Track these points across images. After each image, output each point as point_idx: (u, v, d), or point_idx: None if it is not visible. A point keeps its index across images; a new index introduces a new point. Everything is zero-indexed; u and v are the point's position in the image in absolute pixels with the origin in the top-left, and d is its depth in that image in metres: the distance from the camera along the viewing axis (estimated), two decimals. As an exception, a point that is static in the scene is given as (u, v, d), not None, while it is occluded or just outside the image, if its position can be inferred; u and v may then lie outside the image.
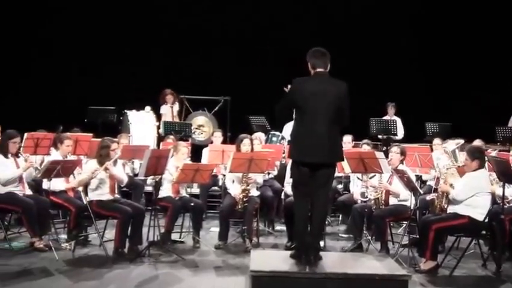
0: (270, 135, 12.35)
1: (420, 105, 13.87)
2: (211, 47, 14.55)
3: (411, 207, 8.02)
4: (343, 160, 7.19)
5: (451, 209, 7.57)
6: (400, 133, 12.99)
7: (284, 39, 14.15)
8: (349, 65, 11.97)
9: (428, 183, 9.87)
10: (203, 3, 14.78)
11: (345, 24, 14.41)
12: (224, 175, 9.80)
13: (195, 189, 10.27)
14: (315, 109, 6.32)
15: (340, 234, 9.58)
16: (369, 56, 14.33)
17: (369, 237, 8.37)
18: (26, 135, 9.06)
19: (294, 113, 6.55)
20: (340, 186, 10.37)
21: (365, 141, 10.48)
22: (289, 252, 6.66)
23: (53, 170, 7.95)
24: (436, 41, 14.53)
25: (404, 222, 8.64)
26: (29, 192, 8.46)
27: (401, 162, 8.55)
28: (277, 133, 12.30)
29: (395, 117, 13.29)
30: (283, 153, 10.33)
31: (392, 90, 13.85)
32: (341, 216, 10.43)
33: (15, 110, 13.17)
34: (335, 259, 6.84)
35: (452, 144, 8.28)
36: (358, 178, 9.00)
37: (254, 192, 8.87)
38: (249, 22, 14.54)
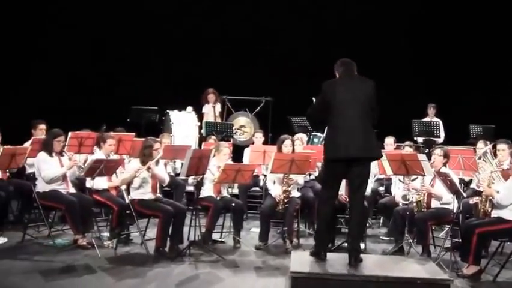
0: (311, 136, 12.33)
1: (464, 106, 13.65)
2: (254, 48, 14.53)
3: (454, 211, 7.94)
4: (381, 156, 7.11)
5: (495, 213, 7.44)
6: (442, 135, 12.84)
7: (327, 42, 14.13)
8: (380, 65, 11.89)
9: (471, 186, 9.74)
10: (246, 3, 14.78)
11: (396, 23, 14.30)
12: (265, 176, 9.81)
13: (236, 190, 10.28)
14: (347, 107, 6.39)
15: (381, 237, 9.53)
16: (407, 55, 14.21)
17: (411, 241, 8.29)
18: (70, 134, 9.17)
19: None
20: (381, 188, 10.29)
21: (407, 143, 10.40)
22: (328, 254, 6.66)
23: (96, 168, 8.05)
24: (479, 40, 14.28)
25: (447, 225, 8.53)
26: (72, 190, 8.57)
27: (444, 164, 8.45)
28: (319, 134, 12.28)
29: (436, 119, 13.13)
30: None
31: (432, 91, 13.72)
32: (382, 218, 10.36)
33: (60, 109, 13.35)
34: (376, 262, 6.79)
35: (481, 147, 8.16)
36: (400, 180, 8.94)
37: (295, 193, 8.86)
38: (293, 24, 14.51)
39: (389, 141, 10.99)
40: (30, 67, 14.28)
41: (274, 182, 8.95)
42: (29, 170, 9.50)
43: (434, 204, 8.28)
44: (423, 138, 12.60)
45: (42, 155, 8.40)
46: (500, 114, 12.88)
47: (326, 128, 6.76)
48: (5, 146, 8.86)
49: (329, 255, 6.68)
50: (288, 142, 8.97)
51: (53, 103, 13.56)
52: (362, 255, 6.50)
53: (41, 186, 8.35)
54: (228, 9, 14.78)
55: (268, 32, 14.53)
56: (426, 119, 13.16)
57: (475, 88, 13.98)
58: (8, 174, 9.31)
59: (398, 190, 8.99)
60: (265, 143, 11.86)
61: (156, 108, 13.33)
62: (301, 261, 6.56)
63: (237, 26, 14.52)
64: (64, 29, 14.34)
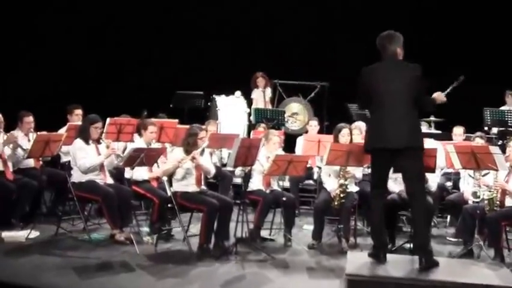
0: (371, 125, 12.20)
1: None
2: (308, 28, 14.44)
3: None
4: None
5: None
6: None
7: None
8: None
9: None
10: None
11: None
12: (320, 168, 9.77)
13: (287, 183, 10.24)
14: (387, 94, 6.46)
15: (448, 238, 9.37)
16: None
17: (481, 243, 8.13)
18: (108, 120, 9.25)
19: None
20: (449, 184, 10.14)
21: (478, 133, 10.19)
22: (388, 256, 6.61)
23: (136, 158, 8.09)
24: None
25: (523, 226, 8.37)
26: (110, 181, 8.64)
27: (521, 158, 8.27)
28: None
29: (513, 107, 12.85)
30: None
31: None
32: (449, 217, 10.21)
33: (97, 93, 13.50)
34: (442, 265, 6.66)
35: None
36: (470, 175, 8.79)
37: (352, 188, 8.79)
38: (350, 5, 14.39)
39: (458, 132, 10.82)
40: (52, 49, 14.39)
41: (330, 175, 8.89)
42: (63, 159, 9.63)
43: (509, 202, 8.10)
44: (497, 129, 12.34)
45: (78, 142, 8.48)
46: None
47: (370, 117, 6.77)
48: (38, 132, 8.99)
49: (389, 256, 6.63)
50: (345, 131, 8.91)
51: (89, 87, 13.73)
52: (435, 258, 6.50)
53: (76, 176, 8.43)
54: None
55: (330, 12, 14.45)
56: (504, 108, 12.86)
57: None
58: (41, 162, 9.46)
59: (467, 186, 8.85)
60: (320, 132, 11.77)
61: (201, 93, 13.34)
62: (358, 262, 6.53)
63: (287, 5, 14.46)
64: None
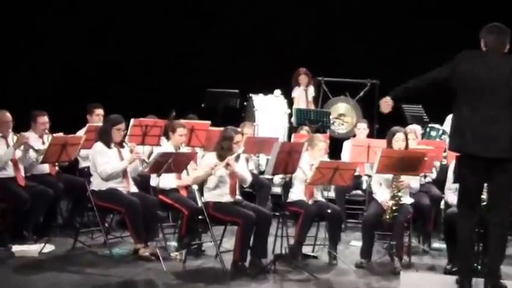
0: (428, 129, 12.07)
1: None
2: (357, 21, 14.40)
3: None
4: None
5: None
6: None
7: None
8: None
9: None
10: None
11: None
12: (369, 176, 9.73)
13: (332, 193, 10.21)
14: (484, 90, 6.21)
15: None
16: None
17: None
18: (132, 121, 9.30)
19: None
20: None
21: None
22: (448, 277, 6.53)
23: (163, 163, 8.11)
24: None
25: None
26: (134, 189, 8.68)
27: None
28: (437, 126, 12.00)
29: None
30: (445, 151, 10.10)
31: None
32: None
33: (120, 92, 13.60)
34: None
35: None
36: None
37: (407, 200, 8.72)
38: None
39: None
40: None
41: (381, 185, 8.84)
42: (82, 164, 9.71)
43: None
44: None
45: (99, 146, 8.53)
46: None
47: (453, 114, 6.51)
48: (54, 134, 9.03)
49: (446, 277, 6.51)
50: (399, 136, 8.82)
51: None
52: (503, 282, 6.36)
53: (96, 184, 8.49)
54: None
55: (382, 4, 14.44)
56: None
57: None
58: (57, 168, 9.51)
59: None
60: (369, 136, 11.74)
61: (236, 91, 13.39)
62: (413, 284, 6.47)
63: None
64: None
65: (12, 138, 9.01)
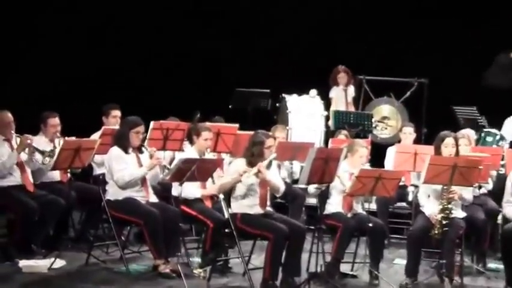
0: (483, 134, 12.01)
1: None
2: (400, 16, 14.39)
3: None
4: None
5: None
6: None
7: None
8: None
9: None
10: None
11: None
12: (416, 186, 9.70)
13: (374, 205, 10.17)
14: None
15: None
16: None
17: None
18: (152, 124, 9.33)
19: None
20: None
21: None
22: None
23: (187, 171, 8.13)
24: None
25: None
26: (154, 199, 8.70)
27: None
28: (494, 131, 11.94)
29: None
30: (503, 159, 10.03)
31: None
32: None
33: (139, 92, 13.66)
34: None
35: None
36: None
37: (458, 213, 8.68)
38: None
39: None
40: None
41: (429, 196, 8.80)
42: (97, 171, 9.75)
43: None
44: None
45: (116, 150, 8.56)
46: None
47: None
48: (66, 138, 9.05)
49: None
50: (449, 141, 8.79)
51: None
52: None
53: (112, 193, 8.52)
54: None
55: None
56: None
57: None
58: (69, 175, 9.51)
59: None
60: (416, 141, 11.69)
61: (268, 91, 13.44)
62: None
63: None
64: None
65: (16, 140, 9.05)
